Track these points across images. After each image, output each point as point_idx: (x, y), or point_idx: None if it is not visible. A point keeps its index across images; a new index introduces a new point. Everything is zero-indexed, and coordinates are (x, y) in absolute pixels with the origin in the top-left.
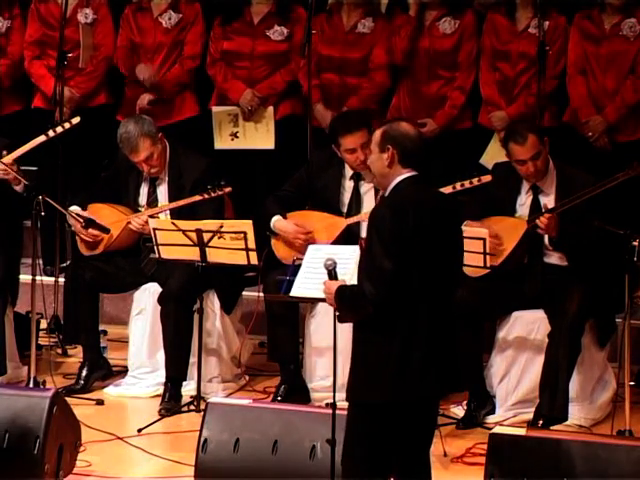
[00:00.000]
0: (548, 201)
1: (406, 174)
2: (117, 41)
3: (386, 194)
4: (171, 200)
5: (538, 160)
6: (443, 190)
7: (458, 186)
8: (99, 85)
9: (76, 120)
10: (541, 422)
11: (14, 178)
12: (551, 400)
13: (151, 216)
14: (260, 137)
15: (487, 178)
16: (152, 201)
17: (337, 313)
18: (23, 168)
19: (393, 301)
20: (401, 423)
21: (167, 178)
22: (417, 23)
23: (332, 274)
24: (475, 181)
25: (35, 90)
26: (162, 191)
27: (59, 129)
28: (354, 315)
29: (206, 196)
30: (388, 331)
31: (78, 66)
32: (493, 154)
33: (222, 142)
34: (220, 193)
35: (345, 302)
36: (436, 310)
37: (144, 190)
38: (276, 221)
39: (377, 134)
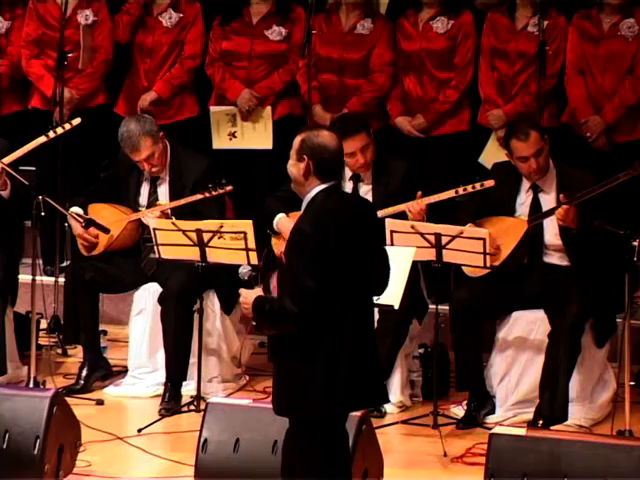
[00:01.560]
0: (548, 200)
1: (322, 186)
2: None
3: (303, 206)
4: (171, 199)
5: (540, 157)
6: (445, 194)
7: (460, 190)
8: (98, 86)
9: (77, 121)
10: (541, 422)
11: (2, 183)
12: (551, 400)
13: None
14: (258, 137)
15: (490, 183)
16: (152, 201)
17: (253, 323)
18: (22, 168)
19: (315, 319)
20: (333, 435)
21: (168, 178)
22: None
23: (247, 283)
24: (478, 186)
25: (32, 90)
26: (163, 191)
27: (59, 130)
28: (273, 330)
29: (207, 195)
30: (312, 347)
31: (77, 67)
32: (491, 153)
33: (220, 142)
34: (221, 192)
35: (264, 316)
36: (361, 322)
37: (145, 190)
38: (280, 219)
39: (297, 141)
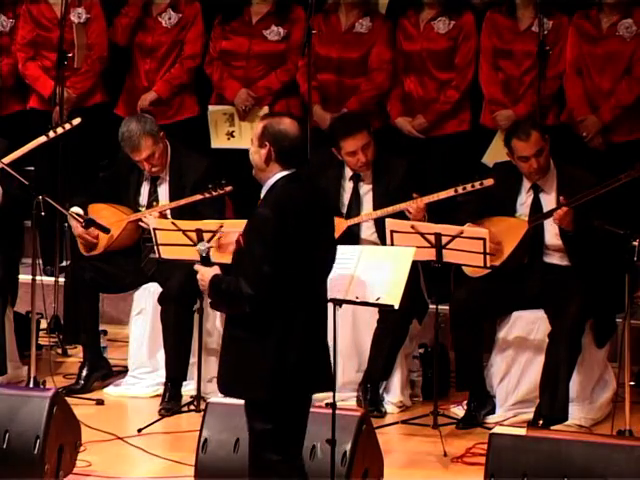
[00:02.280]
0: (549, 200)
1: (283, 172)
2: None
3: (263, 192)
4: (172, 200)
5: (541, 157)
6: (444, 194)
7: (460, 189)
8: (94, 85)
9: (77, 121)
10: (541, 422)
11: None
12: (551, 400)
13: (161, 213)
14: None
15: (489, 182)
16: (153, 201)
17: (209, 300)
18: (22, 168)
19: (270, 303)
20: (281, 419)
21: (168, 178)
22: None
23: (205, 260)
24: (477, 184)
25: (31, 91)
26: (163, 191)
27: (59, 130)
28: (228, 309)
29: (207, 195)
30: (263, 330)
31: (73, 66)
32: (495, 153)
33: (218, 141)
34: (221, 192)
35: (220, 295)
36: (314, 310)
37: (145, 190)
38: None
39: (259, 127)
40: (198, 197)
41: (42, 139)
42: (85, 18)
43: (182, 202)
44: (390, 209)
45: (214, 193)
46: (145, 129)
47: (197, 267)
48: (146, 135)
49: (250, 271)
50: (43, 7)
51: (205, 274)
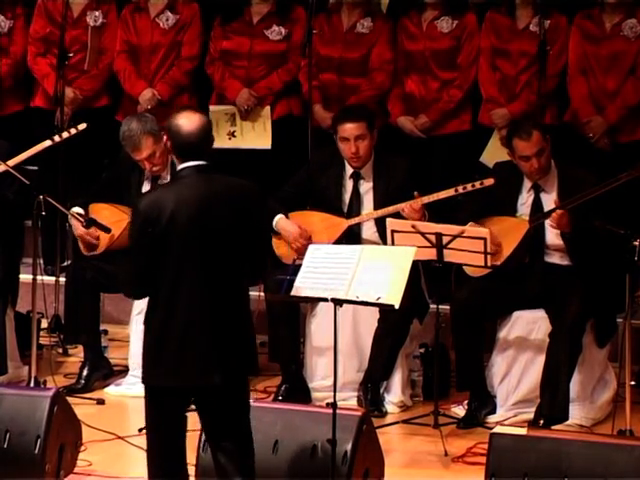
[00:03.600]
0: (550, 200)
1: (188, 163)
2: (116, 45)
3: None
4: None
5: (542, 157)
6: (444, 193)
7: (460, 189)
8: (102, 88)
9: (82, 126)
10: (542, 422)
11: None
12: (552, 400)
13: None
14: (257, 137)
15: (489, 182)
16: None
17: None
18: (24, 167)
19: (140, 297)
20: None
21: (169, 177)
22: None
23: None
24: (477, 184)
25: (36, 89)
26: None
27: (65, 134)
28: None
29: None
30: (147, 319)
31: (83, 68)
32: (493, 152)
33: (219, 141)
34: None
35: None
36: (202, 303)
37: (146, 189)
38: (279, 219)
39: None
40: None
41: (47, 143)
42: (101, 22)
43: None
44: (391, 208)
45: None
46: (146, 128)
47: None
48: (147, 134)
49: (125, 263)
50: (59, 5)
51: None
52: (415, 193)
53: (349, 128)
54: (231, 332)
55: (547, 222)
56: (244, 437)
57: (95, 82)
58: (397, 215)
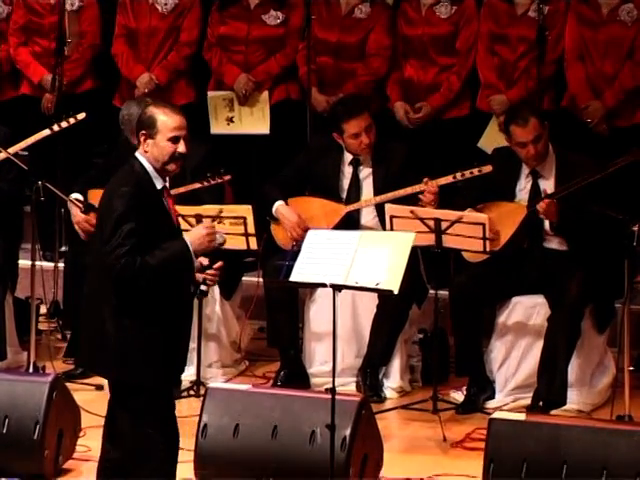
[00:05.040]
0: (548, 186)
1: None
2: (115, 30)
3: None
4: (170, 184)
5: (539, 143)
6: (443, 180)
7: (458, 176)
8: (85, 72)
9: (81, 116)
10: (541, 403)
11: None
12: (550, 383)
13: None
14: (255, 122)
15: (487, 169)
16: None
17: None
18: (20, 153)
19: None
20: None
21: None
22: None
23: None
24: (475, 171)
25: (22, 76)
26: None
27: (64, 124)
28: None
29: (205, 184)
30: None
31: (64, 54)
32: (491, 137)
33: (218, 127)
34: (219, 181)
35: None
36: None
37: None
38: (279, 206)
39: None
40: (197, 185)
41: (46, 132)
42: (78, 6)
43: (181, 190)
44: (390, 195)
45: (212, 182)
46: None
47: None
48: None
49: None
50: None
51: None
52: (425, 179)
53: (357, 123)
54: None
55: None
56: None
57: (78, 67)
58: (396, 200)
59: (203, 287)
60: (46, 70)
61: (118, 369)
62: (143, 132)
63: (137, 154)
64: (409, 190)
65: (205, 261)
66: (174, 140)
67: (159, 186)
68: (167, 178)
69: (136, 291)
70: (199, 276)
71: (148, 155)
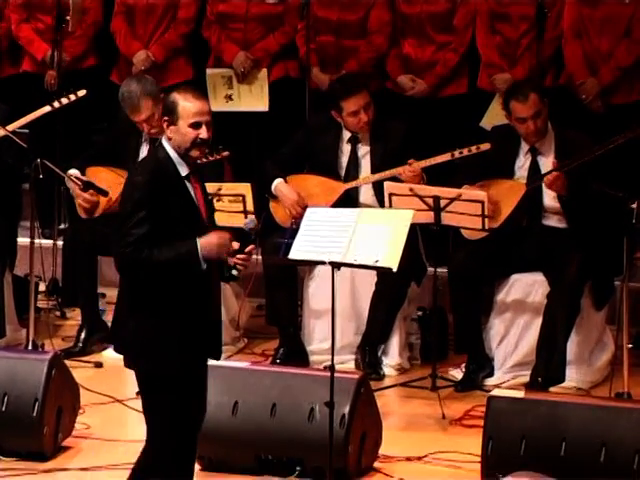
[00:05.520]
0: (547, 163)
1: None
2: (115, 6)
3: None
4: None
5: (538, 119)
6: (441, 158)
7: (457, 154)
8: (88, 48)
9: (82, 93)
10: (540, 380)
11: None
12: (548, 360)
13: None
14: (254, 99)
15: (486, 146)
16: None
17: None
18: (17, 130)
19: None
20: None
21: None
22: None
23: (249, 235)
24: (474, 149)
25: (24, 54)
26: None
27: (64, 101)
28: None
29: (204, 160)
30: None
31: (68, 30)
32: (494, 117)
33: (216, 104)
34: (218, 157)
35: None
36: None
37: (144, 151)
38: (278, 184)
39: None
40: None
41: (46, 109)
42: None
43: None
44: (388, 172)
45: (211, 158)
46: (145, 90)
47: (251, 248)
48: (146, 96)
49: None
50: None
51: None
52: (409, 161)
53: (356, 100)
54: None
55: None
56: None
57: (81, 43)
58: (395, 179)
59: (234, 272)
60: (49, 46)
61: (133, 358)
62: (166, 118)
63: (163, 140)
64: (394, 172)
65: (236, 245)
66: (195, 126)
67: (184, 173)
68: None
69: (139, 280)
70: (230, 260)
71: (172, 141)
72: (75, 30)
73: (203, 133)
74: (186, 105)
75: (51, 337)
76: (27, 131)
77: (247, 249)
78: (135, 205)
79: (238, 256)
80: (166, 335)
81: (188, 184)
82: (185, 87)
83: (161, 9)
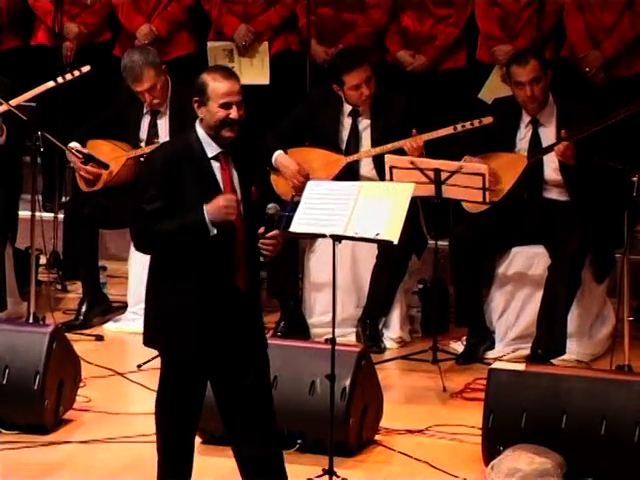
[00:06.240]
0: (548, 134)
1: None
2: None
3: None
4: (171, 134)
5: (537, 85)
6: (443, 131)
7: (459, 127)
8: (104, 21)
9: (86, 68)
10: (540, 351)
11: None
12: (549, 332)
13: None
14: (255, 72)
15: (488, 120)
16: (152, 135)
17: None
18: (23, 104)
19: None
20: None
21: (168, 112)
22: None
23: (272, 220)
24: (476, 122)
25: (37, 26)
26: (162, 124)
27: (68, 76)
28: None
29: None
30: None
31: (86, 2)
32: (492, 89)
33: None
34: None
35: None
36: None
37: (145, 124)
38: (278, 155)
39: None
40: None
41: (50, 84)
42: None
43: None
44: (389, 146)
45: None
46: (148, 60)
47: (274, 233)
48: (149, 66)
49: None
50: None
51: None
52: (413, 130)
53: (358, 74)
54: None
55: (548, 156)
56: None
57: (97, 16)
58: (396, 152)
59: (261, 258)
60: (67, 18)
61: (146, 334)
62: (196, 99)
63: (197, 121)
64: (398, 144)
65: (260, 230)
66: (225, 106)
67: (211, 153)
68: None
69: (158, 257)
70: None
71: (203, 122)
72: (94, 4)
73: (233, 113)
74: (216, 86)
75: (52, 310)
76: (34, 104)
77: (270, 234)
78: (148, 182)
79: (262, 241)
80: (185, 313)
81: (215, 164)
82: (215, 67)
83: None
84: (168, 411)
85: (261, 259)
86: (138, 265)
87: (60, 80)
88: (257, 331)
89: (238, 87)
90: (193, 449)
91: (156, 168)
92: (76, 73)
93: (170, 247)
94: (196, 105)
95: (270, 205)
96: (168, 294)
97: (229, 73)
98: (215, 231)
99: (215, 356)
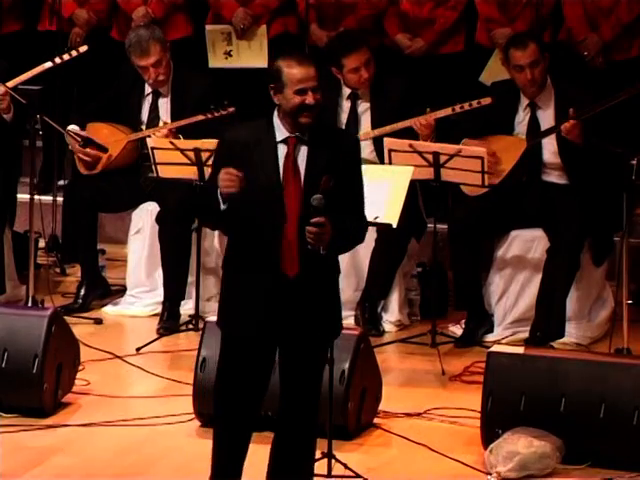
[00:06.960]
0: (546, 117)
1: None
2: None
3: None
4: (172, 116)
5: (536, 69)
6: (442, 112)
7: (457, 108)
8: (111, 7)
9: (84, 48)
10: (539, 334)
11: (7, 106)
12: (548, 315)
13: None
14: (253, 55)
15: (487, 100)
16: (153, 117)
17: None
18: (24, 87)
19: None
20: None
21: (170, 94)
22: None
23: (318, 209)
24: (475, 103)
25: (44, 12)
26: (163, 106)
27: (66, 56)
28: (349, 248)
29: (209, 116)
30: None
31: None
32: (492, 72)
33: (216, 61)
34: (223, 113)
35: (346, 238)
36: None
37: (146, 106)
38: None
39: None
40: (200, 117)
41: (47, 64)
42: None
43: (183, 122)
44: (388, 128)
45: (216, 114)
46: (154, 35)
47: (317, 220)
48: (155, 40)
49: (360, 202)
50: None
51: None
52: (427, 109)
53: (357, 57)
54: None
55: (547, 139)
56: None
57: (106, 2)
58: (395, 134)
59: (309, 246)
60: (76, 5)
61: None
62: (272, 85)
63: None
64: (407, 123)
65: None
66: (301, 92)
67: (280, 137)
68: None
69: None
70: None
71: (280, 108)
72: None
73: (309, 99)
74: (290, 72)
75: (51, 293)
76: (39, 87)
77: (313, 220)
78: (213, 162)
79: (307, 228)
80: (239, 297)
81: (283, 148)
82: (289, 52)
83: None
84: (227, 396)
85: (308, 247)
86: (137, 248)
87: (57, 60)
88: (317, 319)
89: (313, 72)
90: (247, 448)
91: (220, 150)
92: (74, 53)
93: (207, 221)
94: (272, 92)
95: (313, 197)
96: (224, 279)
97: (303, 58)
98: (225, 206)
99: (269, 341)
